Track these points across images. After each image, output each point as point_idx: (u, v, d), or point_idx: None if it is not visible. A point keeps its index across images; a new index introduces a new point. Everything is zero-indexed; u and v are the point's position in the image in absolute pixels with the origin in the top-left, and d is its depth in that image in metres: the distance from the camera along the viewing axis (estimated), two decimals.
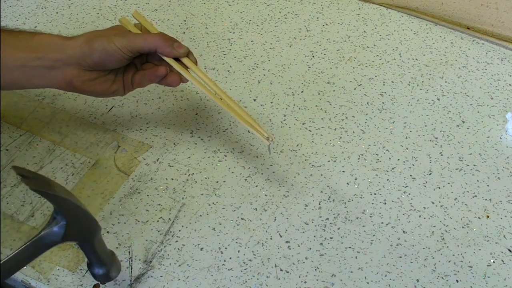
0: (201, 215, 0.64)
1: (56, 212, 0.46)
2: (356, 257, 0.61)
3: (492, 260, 0.61)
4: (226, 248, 0.61)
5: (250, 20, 0.88)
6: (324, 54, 0.82)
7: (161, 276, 0.59)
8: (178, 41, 0.61)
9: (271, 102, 0.76)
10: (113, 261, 0.53)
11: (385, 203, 0.65)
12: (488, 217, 0.64)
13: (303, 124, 0.73)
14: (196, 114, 0.74)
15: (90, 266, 0.52)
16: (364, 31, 0.86)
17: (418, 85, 0.79)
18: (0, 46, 0.56)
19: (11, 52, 0.56)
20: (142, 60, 0.63)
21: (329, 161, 0.69)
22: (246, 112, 0.62)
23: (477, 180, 0.68)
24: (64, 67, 0.58)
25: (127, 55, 0.59)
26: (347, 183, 0.67)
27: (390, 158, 0.70)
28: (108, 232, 0.62)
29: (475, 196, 0.66)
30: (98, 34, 0.59)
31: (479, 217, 0.64)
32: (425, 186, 0.67)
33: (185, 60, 0.62)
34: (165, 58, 0.61)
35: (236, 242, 0.62)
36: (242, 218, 0.64)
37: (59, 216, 0.46)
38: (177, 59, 0.61)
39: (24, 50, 0.57)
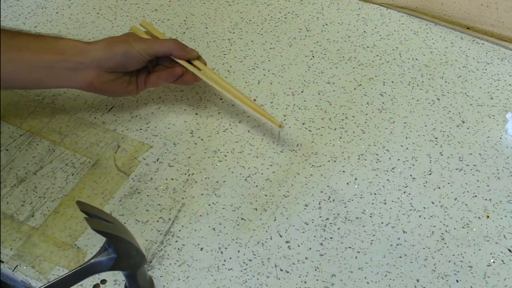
0: (201, 215, 0.64)
1: (108, 245, 0.48)
2: (356, 257, 0.61)
3: (492, 260, 0.61)
4: (226, 248, 0.61)
5: (250, 20, 0.88)
6: (324, 54, 0.82)
7: (161, 276, 0.59)
8: (189, 47, 0.69)
9: (271, 102, 0.76)
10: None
11: (385, 203, 0.65)
12: (488, 217, 0.64)
13: (303, 124, 0.73)
14: (196, 114, 0.74)
15: None
16: (364, 31, 0.86)
17: (418, 85, 0.78)
18: (16, 48, 0.62)
19: (36, 54, 0.62)
20: (153, 64, 0.70)
21: (329, 161, 0.69)
22: (257, 104, 0.70)
23: (477, 180, 0.68)
24: (86, 69, 0.63)
25: (145, 58, 0.66)
26: (347, 183, 0.67)
27: (390, 158, 0.70)
28: None
29: (475, 196, 0.66)
30: (116, 39, 0.66)
31: (479, 217, 0.64)
32: (425, 186, 0.67)
33: (196, 62, 0.70)
34: (179, 61, 0.69)
35: (236, 242, 0.62)
36: (242, 218, 0.64)
37: (111, 249, 0.48)
38: (188, 62, 0.70)
39: (50, 52, 0.62)
